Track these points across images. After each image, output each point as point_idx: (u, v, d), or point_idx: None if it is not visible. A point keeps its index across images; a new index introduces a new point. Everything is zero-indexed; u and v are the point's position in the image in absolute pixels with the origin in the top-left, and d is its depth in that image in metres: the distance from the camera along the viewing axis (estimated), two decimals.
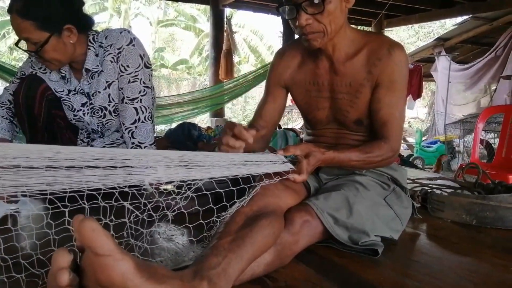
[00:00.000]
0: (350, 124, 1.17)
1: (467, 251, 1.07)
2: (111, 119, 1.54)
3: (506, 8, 5.11)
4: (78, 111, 1.54)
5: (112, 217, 0.74)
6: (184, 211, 0.86)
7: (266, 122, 1.25)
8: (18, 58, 11.63)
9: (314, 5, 0.98)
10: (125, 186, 0.63)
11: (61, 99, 1.53)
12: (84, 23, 1.44)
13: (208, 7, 5.63)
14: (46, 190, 0.56)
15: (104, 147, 1.59)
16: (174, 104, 4.90)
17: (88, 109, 1.53)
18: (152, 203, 0.89)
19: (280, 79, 1.23)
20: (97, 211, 0.73)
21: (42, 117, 1.50)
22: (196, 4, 5.76)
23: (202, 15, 15.64)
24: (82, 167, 0.60)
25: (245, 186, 0.87)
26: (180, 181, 0.72)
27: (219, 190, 0.84)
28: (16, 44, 1.41)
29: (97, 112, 1.52)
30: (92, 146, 1.60)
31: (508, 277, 0.91)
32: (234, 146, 0.91)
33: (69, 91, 1.52)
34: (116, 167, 0.63)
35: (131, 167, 0.65)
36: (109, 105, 1.50)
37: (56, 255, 0.55)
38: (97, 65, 1.47)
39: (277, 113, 1.28)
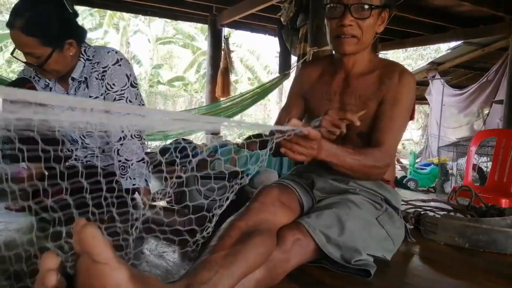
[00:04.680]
0: (353, 137, 1.18)
1: (460, 275, 1.07)
2: (91, 132, 1.55)
3: (496, 35, 5.24)
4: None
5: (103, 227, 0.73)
6: (178, 227, 0.85)
7: None
8: (16, 71, 11.66)
9: (361, 11, 1.09)
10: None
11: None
12: (81, 36, 1.47)
13: (206, 26, 5.72)
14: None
15: (86, 157, 1.60)
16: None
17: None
18: (144, 217, 0.88)
19: (301, 89, 1.31)
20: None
21: None
22: (195, 23, 5.83)
23: (200, 33, 15.85)
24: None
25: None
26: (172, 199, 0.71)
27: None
28: (12, 54, 1.42)
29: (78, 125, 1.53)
30: (76, 156, 1.60)
31: None
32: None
33: None
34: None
35: None
36: None
37: (44, 257, 0.55)
38: (82, 76, 1.49)
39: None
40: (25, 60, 1.40)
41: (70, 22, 1.42)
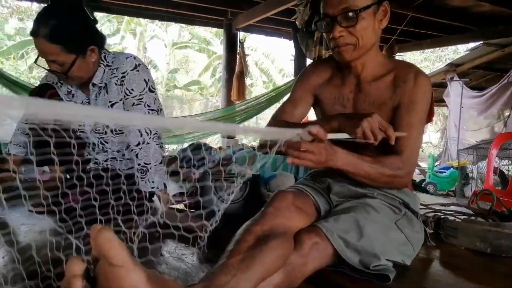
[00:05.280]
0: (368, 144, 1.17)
1: (481, 280, 1.05)
2: (111, 136, 1.58)
3: None
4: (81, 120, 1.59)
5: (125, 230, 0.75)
6: (196, 230, 0.86)
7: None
8: (37, 77, 11.97)
9: (348, 19, 1.05)
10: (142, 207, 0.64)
11: None
12: (101, 42, 1.50)
13: (221, 30, 5.76)
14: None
15: (106, 160, 1.63)
16: None
17: (89, 122, 1.58)
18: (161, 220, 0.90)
19: (311, 86, 1.27)
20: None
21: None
22: (210, 28, 5.90)
23: (215, 37, 15.97)
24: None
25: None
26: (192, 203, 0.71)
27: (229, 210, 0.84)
28: (35, 61, 1.46)
29: (99, 130, 1.58)
30: (96, 159, 1.64)
31: None
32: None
33: (76, 103, 1.58)
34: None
35: None
36: (110, 124, 1.54)
37: (70, 263, 0.56)
38: (102, 81, 1.52)
39: (299, 117, 1.27)
40: (48, 68, 1.44)
41: (91, 29, 1.46)
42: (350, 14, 1.05)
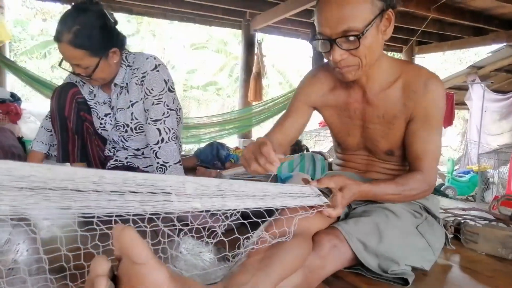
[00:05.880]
0: (381, 153, 1.15)
1: (502, 286, 1.03)
2: (132, 135, 1.62)
3: None
4: (102, 118, 1.62)
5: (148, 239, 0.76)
6: (216, 228, 0.87)
7: (284, 136, 1.20)
8: (59, 77, 12.26)
9: (349, 41, 0.93)
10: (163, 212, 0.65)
11: (90, 106, 1.64)
12: (122, 43, 1.53)
13: (239, 31, 5.79)
14: (90, 214, 0.58)
15: (126, 158, 1.67)
16: (203, 124, 5.00)
17: (110, 121, 1.62)
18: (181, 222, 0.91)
19: (309, 99, 1.20)
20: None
21: (72, 118, 1.59)
22: (228, 28, 5.93)
23: (233, 38, 16.04)
24: (124, 193, 0.63)
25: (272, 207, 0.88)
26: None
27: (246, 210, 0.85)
28: (59, 65, 1.50)
29: (119, 128, 1.61)
30: (117, 156, 1.68)
31: None
32: (259, 172, 0.89)
33: (97, 102, 1.62)
34: (156, 193, 0.65)
35: (169, 193, 0.67)
36: (131, 122, 1.58)
37: (95, 263, 0.57)
38: (124, 81, 1.55)
39: (297, 129, 1.23)
40: (72, 71, 1.48)
41: (113, 31, 1.49)
42: (352, 38, 0.92)
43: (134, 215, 0.60)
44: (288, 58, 15.81)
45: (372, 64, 1.02)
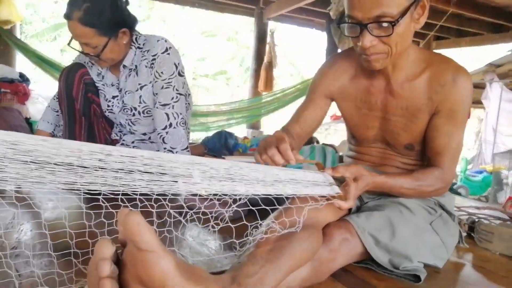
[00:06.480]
0: (399, 147, 1.11)
1: None
2: (139, 119, 1.58)
3: None
4: (110, 101, 1.59)
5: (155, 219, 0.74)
6: (225, 213, 0.84)
7: (302, 129, 1.16)
8: (68, 61, 12.28)
9: (382, 28, 0.88)
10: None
11: (98, 88, 1.61)
12: (133, 24, 1.50)
13: (251, 19, 5.71)
14: (96, 190, 0.56)
15: (133, 142, 1.64)
16: (211, 112, 4.96)
17: (118, 103, 1.58)
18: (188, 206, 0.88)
19: (327, 89, 1.15)
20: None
21: (79, 99, 1.57)
22: (240, 15, 5.85)
23: (244, 27, 15.92)
24: (132, 171, 0.60)
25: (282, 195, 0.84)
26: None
27: (255, 197, 0.81)
28: (69, 44, 1.48)
29: (127, 111, 1.57)
30: (123, 140, 1.65)
31: None
32: (278, 162, 0.85)
33: (105, 83, 1.59)
34: (164, 174, 0.63)
35: (175, 181, 0.64)
36: (139, 105, 1.54)
37: (99, 245, 0.54)
38: (133, 64, 1.52)
39: (315, 122, 1.19)
40: (81, 50, 1.45)
41: (124, 11, 1.46)
42: (385, 25, 0.86)
43: (140, 195, 0.58)
44: (301, 49, 15.66)
45: (401, 54, 0.97)
